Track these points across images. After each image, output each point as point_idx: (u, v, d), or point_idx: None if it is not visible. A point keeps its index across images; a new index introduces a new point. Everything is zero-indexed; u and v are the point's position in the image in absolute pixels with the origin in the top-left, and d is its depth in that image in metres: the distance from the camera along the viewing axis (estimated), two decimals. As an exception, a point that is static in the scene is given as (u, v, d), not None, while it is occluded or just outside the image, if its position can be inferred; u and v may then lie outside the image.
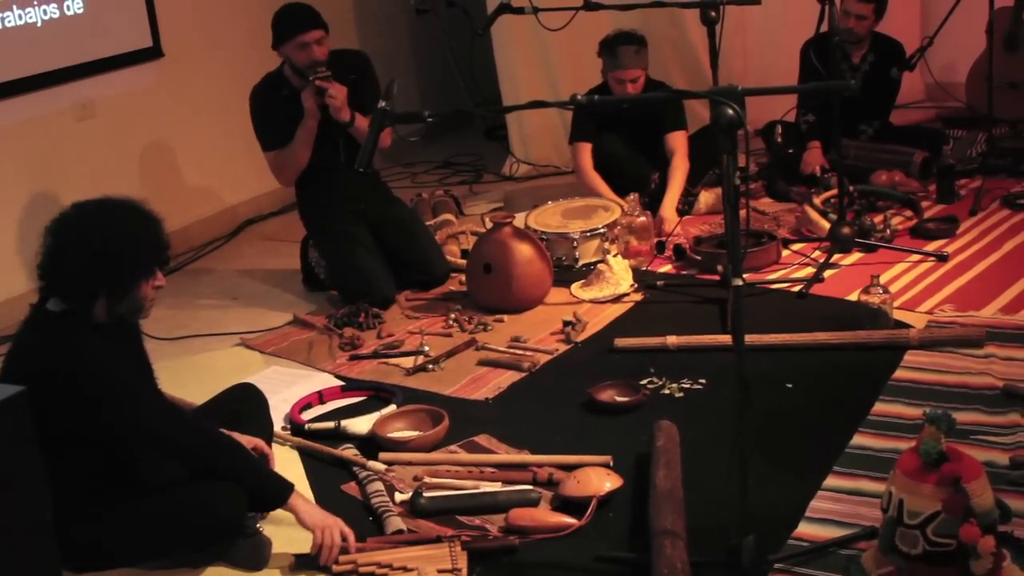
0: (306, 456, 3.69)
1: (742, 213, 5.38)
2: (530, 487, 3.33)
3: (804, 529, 3.03)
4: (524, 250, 4.66)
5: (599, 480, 3.24)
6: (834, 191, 5.03)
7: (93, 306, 3.00)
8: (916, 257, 4.75)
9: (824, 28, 4.64)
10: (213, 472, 3.05)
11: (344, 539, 3.07)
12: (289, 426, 3.87)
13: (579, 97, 2.67)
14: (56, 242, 2.98)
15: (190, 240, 6.03)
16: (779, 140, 5.67)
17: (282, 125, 4.88)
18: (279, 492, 3.10)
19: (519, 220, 5.24)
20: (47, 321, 3.00)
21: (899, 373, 3.81)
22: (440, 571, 2.95)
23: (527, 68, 6.69)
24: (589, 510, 3.15)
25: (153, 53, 5.79)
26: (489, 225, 4.86)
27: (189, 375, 4.33)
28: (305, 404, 4.03)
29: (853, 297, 4.33)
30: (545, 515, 3.18)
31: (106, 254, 2.93)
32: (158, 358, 4.38)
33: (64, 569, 3.06)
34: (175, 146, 5.99)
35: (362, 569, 3.01)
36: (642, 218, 5.08)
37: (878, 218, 5.04)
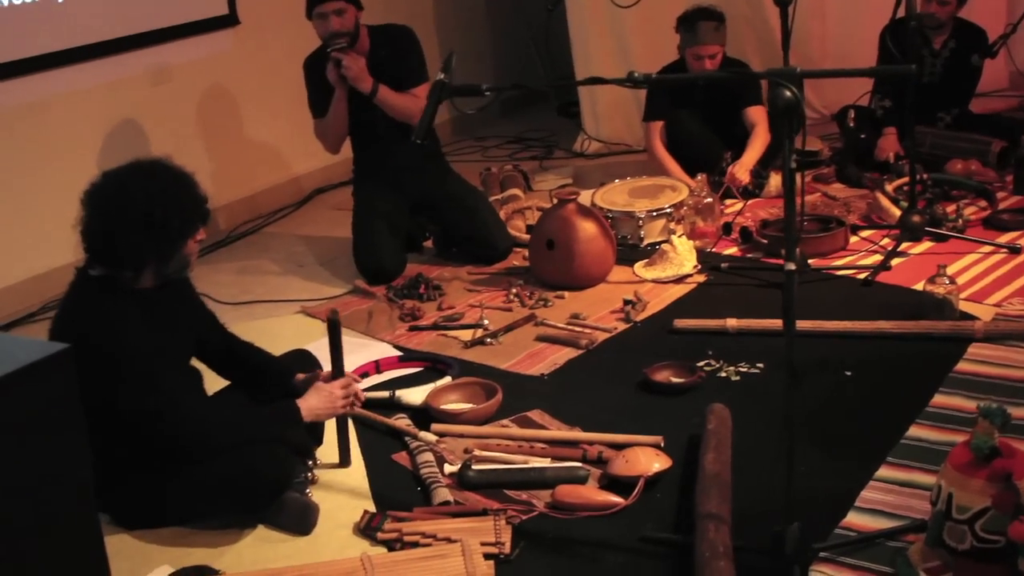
0: (360, 424, 3.71)
1: (809, 198, 5.34)
2: (579, 464, 3.33)
3: (853, 519, 2.99)
4: (587, 227, 4.64)
5: (648, 460, 3.22)
6: (907, 178, 4.94)
7: (142, 273, 3.04)
8: (988, 248, 4.66)
9: (901, 13, 4.55)
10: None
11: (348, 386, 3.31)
12: (346, 393, 3.89)
13: (636, 75, 2.64)
14: (100, 214, 3.00)
15: (259, 208, 6.10)
16: (851, 125, 5.58)
17: (324, 94, 4.95)
18: (296, 428, 3.23)
19: (585, 197, 5.22)
20: (88, 288, 3.05)
21: (961, 365, 3.74)
22: (484, 544, 2.95)
23: (600, 44, 6.65)
24: (636, 490, 3.14)
25: (229, 20, 5.85)
26: (555, 201, 4.84)
27: (253, 341, 4.37)
28: (362, 372, 4.05)
29: (920, 287, 4.25)
30: (591, 493, 3.17)
31: (154, 222, 2.96)
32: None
33: (117, 526, 3.20)
34: (247, 113, 6.05)
35: (407, 538, 3.02)
36: (709, 199, 5.03)
37: (951, 207, 4.94)
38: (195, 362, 3.41)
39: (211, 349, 3.40)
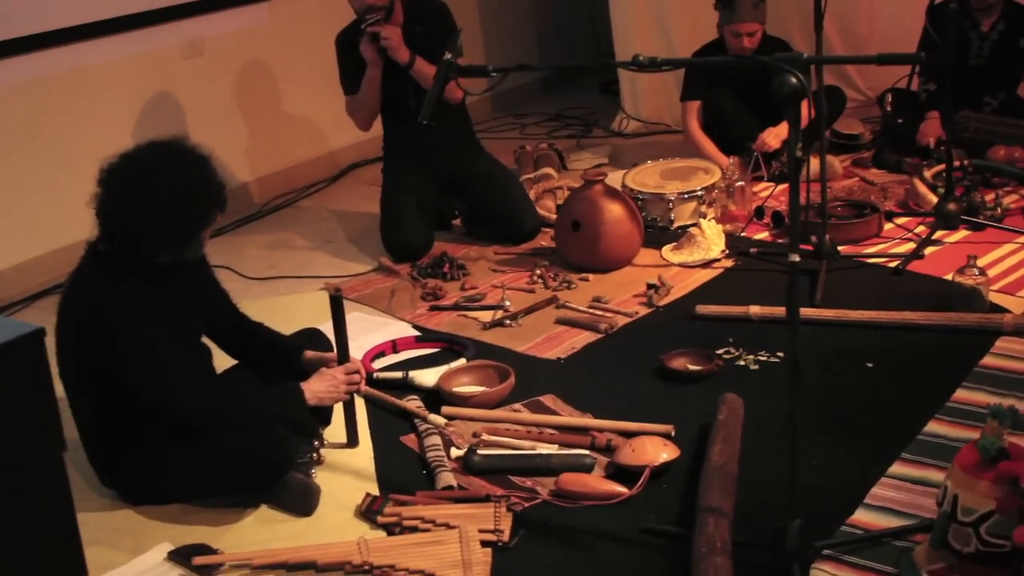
0: (371, 404, 3.69)
1: (846, 183, 5.24)
2: (586, 452, 3.28)
3: (860, 516, 2.92)
4: (614, 209, 4.57)
5: (655, 450, 3.17)
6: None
7: (156, 258, 3.02)
8: (1025, 239, 4.54)
9: (944, -7, 4.43)
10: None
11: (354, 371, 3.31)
12: (360, 373, 3.87)
13: (641, 58, 2.57)
14: (118, 200, 2.97)
15: (292, 182, 6.09)
16: (888, 109, 5.45)
17: (356, 70, 4.91)
18: (300, 410, 3.23)
19: (616, 178, 5.15)
20: (99, 264, 3.04)
21: (987, 360, 3.64)
22: (482, 531, 2.92)
23: (641, 22, 6.55)
24: (641, 480, 3.09)
25: (264, -7, 5.83)
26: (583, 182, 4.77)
27: (271, 317, 4.33)
28: (378, 352, 4.03)
29: (950, 277, 4.15)
30: (596, 482, 3.13)
31: (175, 215, 2.94)
32: (245, 297, 4.52)
33: (124, 501, 3.21)
34: (282, 87, 6.03)
35: (406, 523, 3.00)
36: (741, 182, 4.94)
37: (990, 195, 4.81)
38: (206, 340, 3.40)
39: (221, 327, 3.39)
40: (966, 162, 4.94)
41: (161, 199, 2.92)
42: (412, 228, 4.91)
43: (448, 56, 2.86)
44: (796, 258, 2.53)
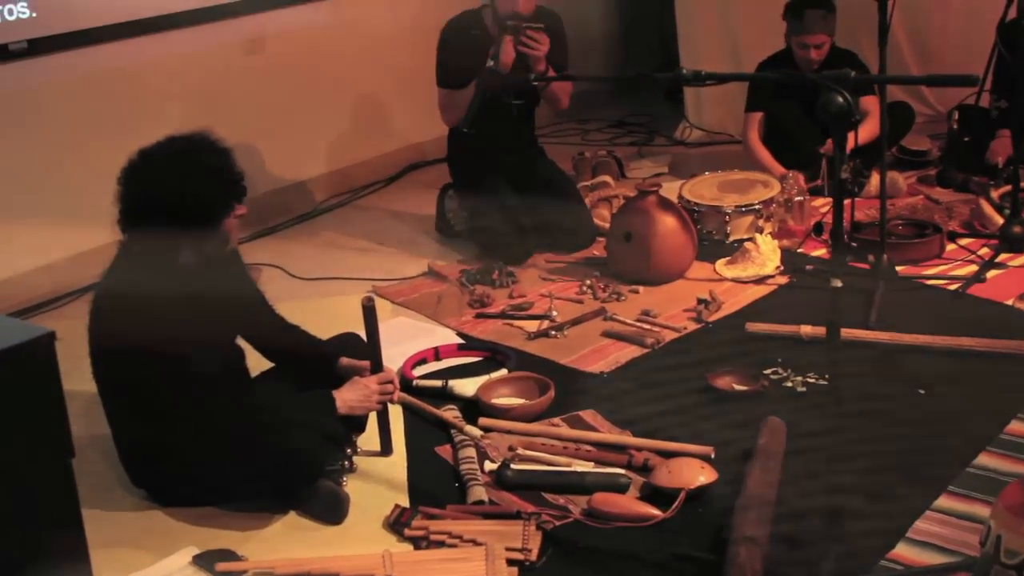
0: (409, 412, 3.64)
1: (911, 200, 5.11)
2: (621, 471, 3.20)
3: (901, 550, 2.81)
4: (667, 221, 4.49)
5: (692, 473, 3.09)
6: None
7: (179, 251, 3.00)
8: (1093, 266, 4.38)
9: (1012, 14, 4.29)
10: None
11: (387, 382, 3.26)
12: (399, 380, 3.82)
13: (685, 72, 2.50)
14: (134, 193, 2.96)
15: (350, 182, 6.07)
16: (955, 127, 5.30)
17: (462, 65, 4.75)
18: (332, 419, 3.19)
19: (673, 188, 5.07)
20: (130, 266, 3.02)
21: (1046, 391, 3.52)
22: (509, 548, 2.86)
23: (707, 31, 6.46)
24: (676, 503, 3.01)
25: (326, -9, 5.81)
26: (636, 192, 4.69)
27: (315, 318, 4.31)
28: (420, 359, 3.98)
29: (1013, 302, 4.02)
30: (630, 503, 3.05)
31: (188, 201, 2.91)
32: (292, 297, 4.52)
33: (153, 502, 3.19)
34: (340, 87, 6.00)
35: (433, 537, 2.95)
36: (800, 196, 4.83)
37: (1058, 218, 4.66)
38: (241, 342, 3.38)
39: (256, 330, 3.36)
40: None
41: (173, 186, 2.90)
42: (518, 238, 4.85)
43: (491, 63, 2.80)
44: (838, 283, 2.44)
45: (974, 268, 4.41)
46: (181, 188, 2.91)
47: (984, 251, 4.57)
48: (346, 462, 3.31)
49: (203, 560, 2.94)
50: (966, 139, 5.33)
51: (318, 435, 3.14)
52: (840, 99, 2.27)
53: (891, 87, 5.77)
